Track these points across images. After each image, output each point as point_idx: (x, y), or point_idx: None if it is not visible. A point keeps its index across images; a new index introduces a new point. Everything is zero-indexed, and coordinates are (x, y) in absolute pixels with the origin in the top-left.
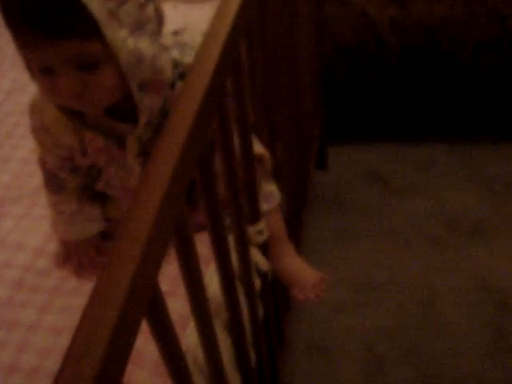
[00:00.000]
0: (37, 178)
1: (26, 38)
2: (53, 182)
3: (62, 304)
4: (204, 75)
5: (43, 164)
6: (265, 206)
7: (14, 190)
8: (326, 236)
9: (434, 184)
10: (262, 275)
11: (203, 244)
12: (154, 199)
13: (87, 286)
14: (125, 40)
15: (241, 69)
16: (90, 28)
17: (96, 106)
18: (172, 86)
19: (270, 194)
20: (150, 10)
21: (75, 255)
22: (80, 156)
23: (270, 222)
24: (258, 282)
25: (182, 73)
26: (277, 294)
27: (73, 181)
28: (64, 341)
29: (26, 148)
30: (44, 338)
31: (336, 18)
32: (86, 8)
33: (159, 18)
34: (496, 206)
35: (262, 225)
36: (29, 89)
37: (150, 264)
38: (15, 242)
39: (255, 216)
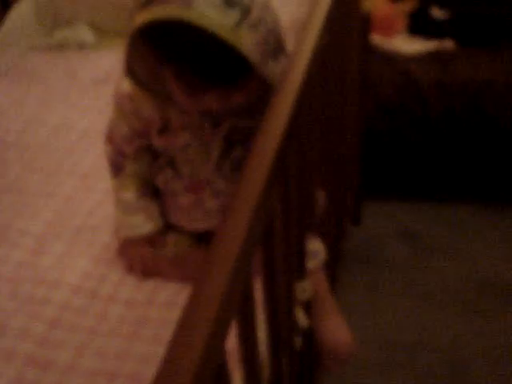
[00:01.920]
0: (79, 217)
1: (191, 84)
2: (114, 164)
3: (99, 345)
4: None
5: (110, 138)
6: (311, 264)
7: (56, 228)
8: (355, 292)
9: (466, 244)
10: (301, 332)
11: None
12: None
13: (124, 328)
14: (275, 67)
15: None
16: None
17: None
18: None
19: (317, 252)
20: (281, 34)
21: (128, 253)
22: (156, 134)
23: (314, 280)
24: (298, 340)
25: None
26: (312, 351)
27: (134, 163)
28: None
29: (69, 186)
30: (79, 381)
31: (380, 77)
32: (245, 59)
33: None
34: None
35: (306, 282)
36: (76, 126)
37: (243, 265)
38: (54, 279)
39: (301, 273)
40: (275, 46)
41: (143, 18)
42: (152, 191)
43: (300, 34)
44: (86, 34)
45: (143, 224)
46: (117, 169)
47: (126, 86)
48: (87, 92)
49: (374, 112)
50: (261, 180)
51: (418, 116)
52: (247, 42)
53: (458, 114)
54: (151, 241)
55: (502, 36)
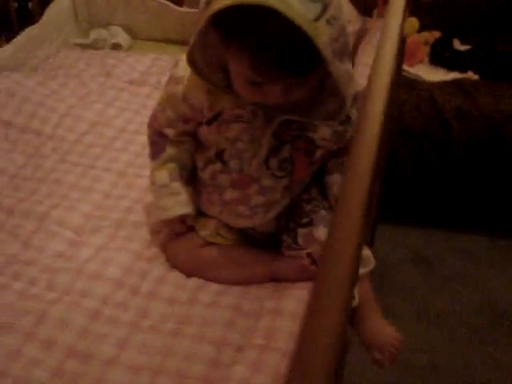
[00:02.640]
0: (118, 212)
1: (265, 69)
2: (154, 146)
3: (141, 341)
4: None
5: (153, 120)
6: (362, 270)
7: (94, 221)
8: None
9: (479, 273)
10: None
11: (296, 301)
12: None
13: (167, 325)
14: (339, 67)
15: None
16: (314, 68)
17: (279, 105)
18: None
19: (368, 258)
20: (348, 37)
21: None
22: (205, 124)
23: (361, 287)
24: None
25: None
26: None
27: (174, 146)
28: (142, 379)
29: (107, 182)
30: (120, 376)
31: (404, 103)
32: (319, 53)
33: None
34: None
35: (355, 289)
36: (113, 124)
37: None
38: (93, 271)
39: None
40: (343, 47)
41: (224, 2)
42: (186, 179)
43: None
44: (120, 36)
45: (173, 207)
46: (156, 151)
47: (181, 72)
48: (123, 91)
49: (397, 136)
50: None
51: (440, 143)
52: (323, 37)
53: (480, 144)
54: (183, 223)
55: None
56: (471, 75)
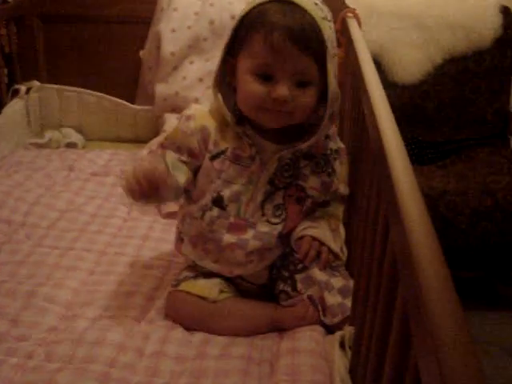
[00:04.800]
0: (108, 285)
1: (282, 45)
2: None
3: None
4: None
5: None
6: None
7: (83, 295)
8: None
9: None
10: None
11: (314, 341)
12: None
13: (178, 380)
14: (333, 82)
15: None
16: (319, 56)
17: (287, 121)
18: None
19: None
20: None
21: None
22: (209, 157)
23: None
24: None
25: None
26: None
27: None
28: None
29: (88, 260)
30: None
31: None
32: (324, 44)
33: None
34: None
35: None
36: (84, 210)
37: None
38: (94, 338)
39: None
40: (334, 52)
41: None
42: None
43: None
44: (74, 137)
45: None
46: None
47: (192, 111)
48: (88, 181)
49: None
50: None
51: None
52: (328, 32)
53: None
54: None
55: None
56: None
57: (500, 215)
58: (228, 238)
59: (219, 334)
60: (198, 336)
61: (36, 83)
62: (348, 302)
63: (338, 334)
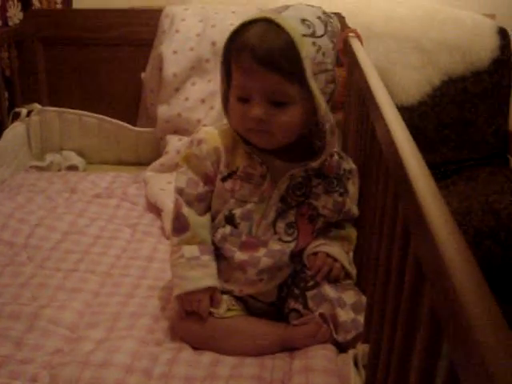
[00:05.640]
0: (112, 307)
1: (249, 66)
2: (178, 221)
3: None
4: None
5: (179, 190)
6: None
7: (88, 317)
8: None
9: None
10: None
11: (327, 359)
12: None
13: None
14: (314, 84)
15: None
16: (293, 74)
17: (272, 140)
18: None
19: None
20: (331, 87)
21: (187, 305)
22: (220, 179)
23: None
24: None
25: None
26: None
27: (198, 209)
28: None
29: (93, 282)
30: None
31: None
32: (301, 62)
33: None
34: None
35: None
36: (87, 232)
37: None
38: (100, 360)
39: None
40: (323, 80)
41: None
42: (211, 252)
43: None
44: (75, 159)
45: (203, 278)
46: (179, 227)
47: (202, 135)
48: (90, 203)
49: None
50: None
51: None
52: (307, 48)
53: None
54: (209, 296)
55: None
56: None
57: (503, 234)
58: (240, 255)
59: (228, 353)
60: (207, 356)
61: (37, 106)
62: (361, 318)
63: (352, 352)
